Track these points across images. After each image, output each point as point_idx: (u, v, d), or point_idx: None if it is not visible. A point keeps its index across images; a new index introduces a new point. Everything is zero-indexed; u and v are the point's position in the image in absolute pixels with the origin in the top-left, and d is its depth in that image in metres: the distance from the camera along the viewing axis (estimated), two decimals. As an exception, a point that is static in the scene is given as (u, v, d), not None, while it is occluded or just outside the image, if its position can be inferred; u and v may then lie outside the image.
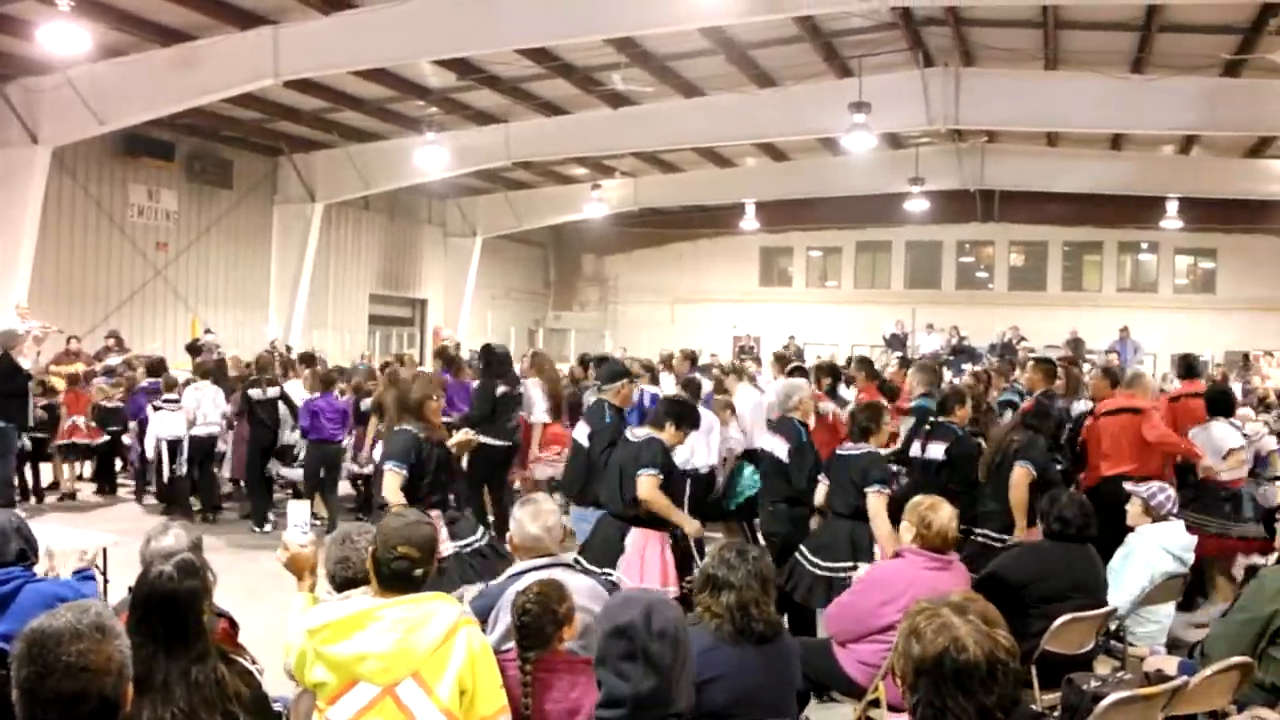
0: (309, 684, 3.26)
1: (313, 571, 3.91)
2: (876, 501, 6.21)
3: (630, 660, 2.78)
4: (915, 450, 7.70)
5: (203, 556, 3.36)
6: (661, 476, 6.00)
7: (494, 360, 10.03)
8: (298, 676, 3.34)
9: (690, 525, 6.25)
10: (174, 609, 3.02)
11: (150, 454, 11.66)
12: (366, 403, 11.33)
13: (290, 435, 11.48)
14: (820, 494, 6.67)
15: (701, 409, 9.08)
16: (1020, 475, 6.92)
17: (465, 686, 3.16)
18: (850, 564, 6.06)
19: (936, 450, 7.42)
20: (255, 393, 11.27)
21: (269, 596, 6.28)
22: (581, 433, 7.18)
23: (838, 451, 6.75)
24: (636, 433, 6.39)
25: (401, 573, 3.35)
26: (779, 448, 6.99)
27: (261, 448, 11.27)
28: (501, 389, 9.73)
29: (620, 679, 2.78)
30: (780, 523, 6.91)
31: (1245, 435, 8.55)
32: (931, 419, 7.86)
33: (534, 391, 10.39)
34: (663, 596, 3.00)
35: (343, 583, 3.98)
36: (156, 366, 12.65)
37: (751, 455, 9.02)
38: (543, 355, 11.49)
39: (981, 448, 7.61)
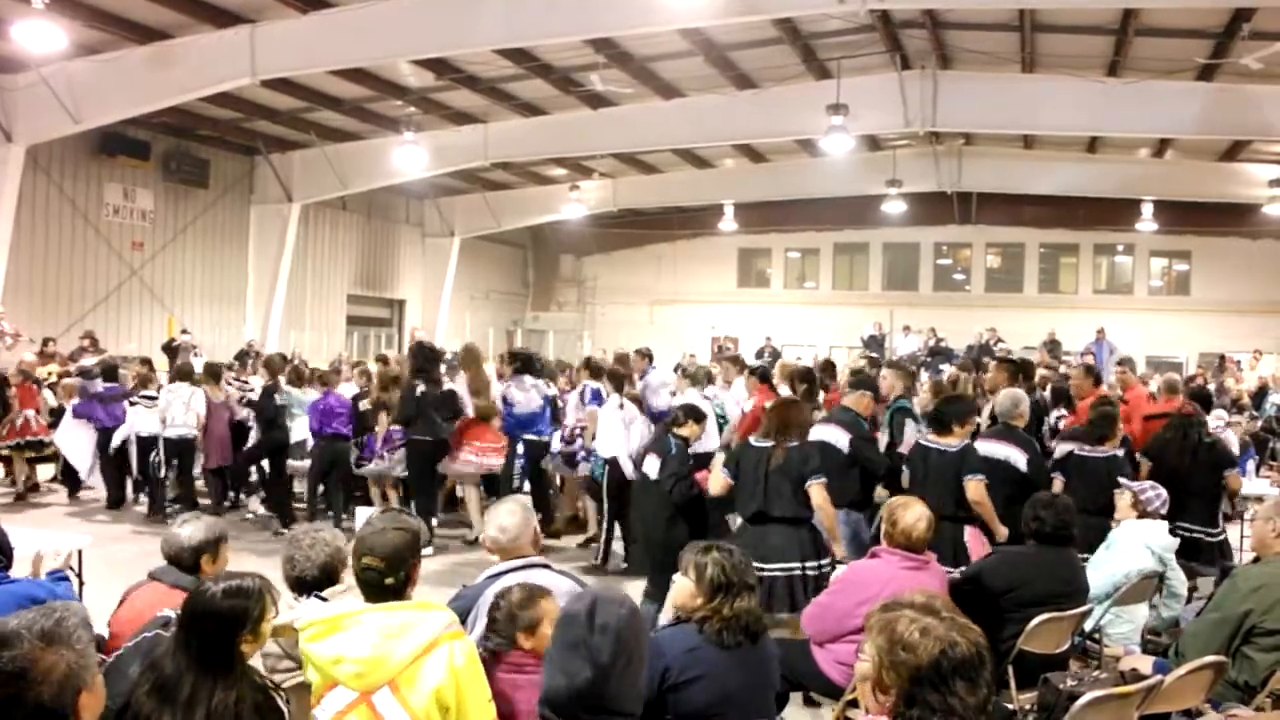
0: (308, 679, 3.27)
1: None
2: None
3: (572, 650, 2.76)
4: None
5: (268, 583, 3.31)
6: (986, 480, 6.54)
7: (419, 359, 10.50)
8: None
9: (1001, 529, 6.61)
10: (209, 626, 3.04)
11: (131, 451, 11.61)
12: (364, 403, 11.34)
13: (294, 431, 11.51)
14: (1057, 489, 7.09)
15: (625, 402, 9.52)
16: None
17: (447, 703, 3.09)
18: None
19: None
20: (277, 398, 11.37)
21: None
22: (837, 437, 7.24)
23: (1076, 452, 7.41)
24: (948, 441, 6.74)
25: (370, 582, 3.34)
26: (1015, 457, 7.21)
27: (275, 450, 11.29)
28: (421, 388, 10.13)
29: (560, 670, 2.76)
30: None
31: None
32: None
33: (462, 387, 10.59)
34: (618, 595, 2.97)
35: (292, 582, 4.00)
36: (111, 370, 12.52)
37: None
38: (471, 351, 11.54)
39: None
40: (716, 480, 6.82)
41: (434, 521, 10.90)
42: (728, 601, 3.70)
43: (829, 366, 11.53)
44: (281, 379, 11.82)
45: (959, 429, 6.80)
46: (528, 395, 10.30)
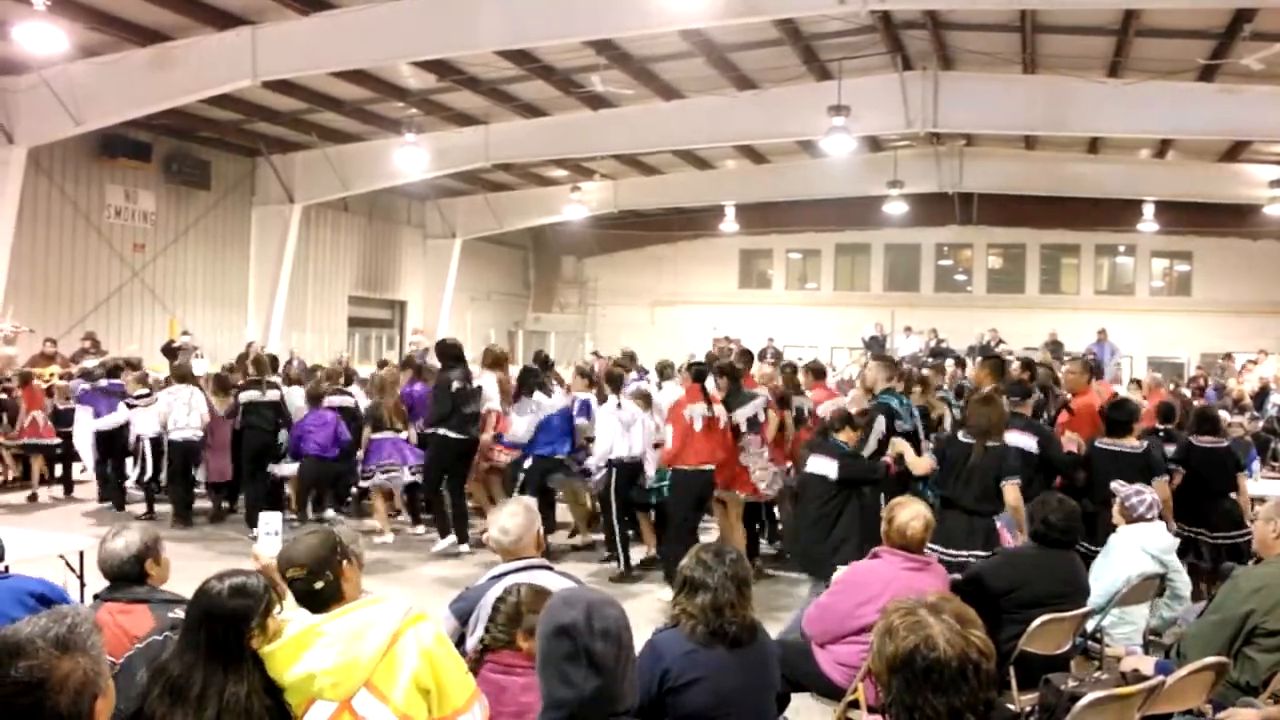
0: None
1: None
2: (1245, 483, 8.28)
3: (573, 661, 2.75)
4: None
5: (269, 582, 3.25)
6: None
7: (448, 356, 10.29)
8: None
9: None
10: (217, 625, 3.02)
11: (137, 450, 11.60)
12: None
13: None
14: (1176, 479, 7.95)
15: (624, 402, 9.50)
16: None
17: (426, 686, 3.10)
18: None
19: None
20: (253, 394, 11.05)
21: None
22: (1026, 441, 7.57)
23: (1193, 443, 8.25)
24: (1130, 443, 7.47)
25: (303, 593, 3.31)
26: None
27: (255, 451, 11.00)
28: (456, 384, 9.94)
29: (563, 682, 2.74)
30: None
31: None
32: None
33: (489, 384, 10.52)
34: (605, 596, 2.97)
35: None
36: (115, 369, 12.51)
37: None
38: (498, 355, 11.44)
39: None
40: (924, 462, 7.48)
41: (472, 526, 10.81)
42: (690, 599, 3.76)
43: (746, 355, 11.59)
44: (274, 377, 11.76)
45: (1136, 427, 7.64)
46: (531, 417, 10.07)
